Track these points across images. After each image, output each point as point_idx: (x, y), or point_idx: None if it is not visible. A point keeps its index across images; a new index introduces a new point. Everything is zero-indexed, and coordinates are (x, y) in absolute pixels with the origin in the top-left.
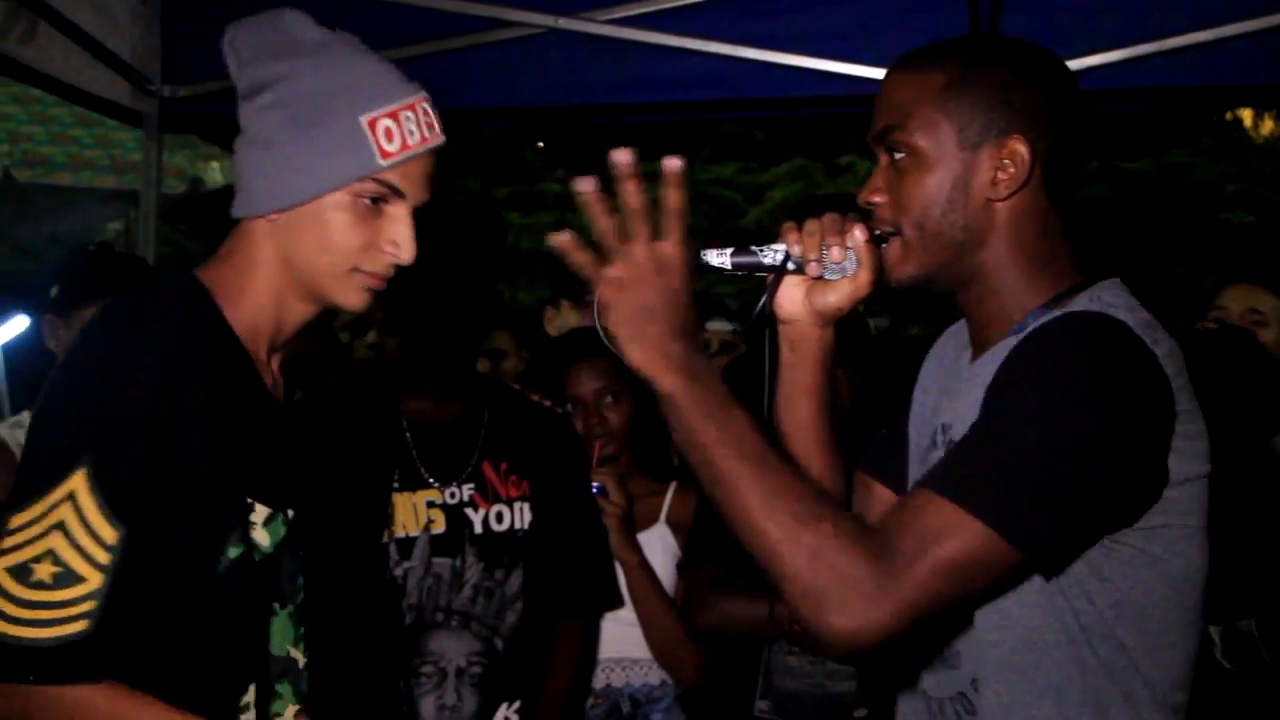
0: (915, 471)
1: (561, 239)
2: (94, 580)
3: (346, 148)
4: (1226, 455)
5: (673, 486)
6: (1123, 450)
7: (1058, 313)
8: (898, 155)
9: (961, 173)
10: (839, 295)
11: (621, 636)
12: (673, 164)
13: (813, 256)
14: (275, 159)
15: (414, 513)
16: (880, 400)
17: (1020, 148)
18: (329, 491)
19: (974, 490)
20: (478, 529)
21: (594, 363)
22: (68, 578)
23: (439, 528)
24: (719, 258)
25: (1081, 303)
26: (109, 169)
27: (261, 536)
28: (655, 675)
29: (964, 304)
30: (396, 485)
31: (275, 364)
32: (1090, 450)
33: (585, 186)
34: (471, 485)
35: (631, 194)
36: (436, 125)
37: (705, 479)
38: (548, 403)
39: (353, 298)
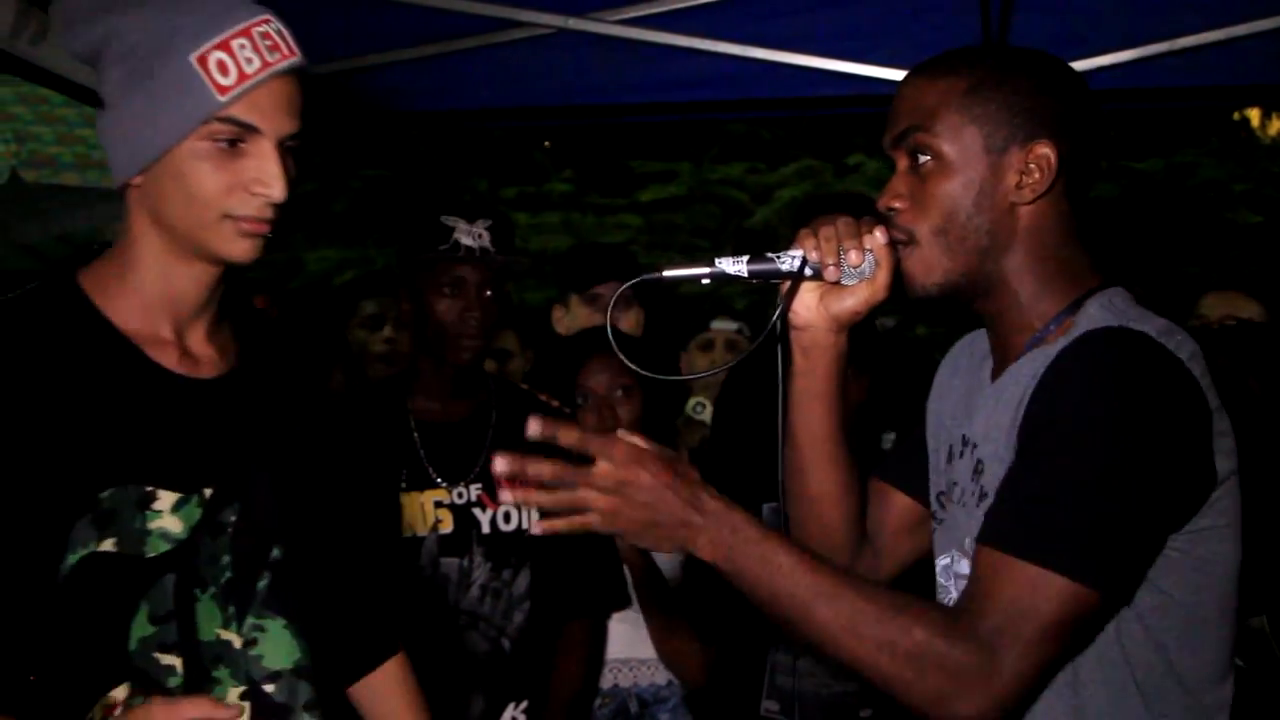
0: (935, 481)
1: (544, 527)
2: None
3: (181, 92)
4: (1248, 451)
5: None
6: (1171, 463)
7: (1080, 323)
8: (921, 159)
9: (987, 177)
10: (856, 299)
11: (629, 636)
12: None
13: (830, 261)
14: (120, 121)
15: (421, 513)
16: (887, 402)
17: (1049, 152)
18: (282, 454)
19: (1047, 544)
20: (485, 529)
21: (606, 359)
22: None
23: (446, 528)
24: (735, 266)
25: (1094, 310)
26: None
27: (172, 523)
28: (662, 675)
29: (985, 312)
30: (404, 485)
31: (197, 336)
32: (1142, 473)
33: (512, 495)
34: (479, 485)
35: (542, 468)
36: (284, 45)
37: (781, 621)
38: (556, 402)
39: (234, 247)
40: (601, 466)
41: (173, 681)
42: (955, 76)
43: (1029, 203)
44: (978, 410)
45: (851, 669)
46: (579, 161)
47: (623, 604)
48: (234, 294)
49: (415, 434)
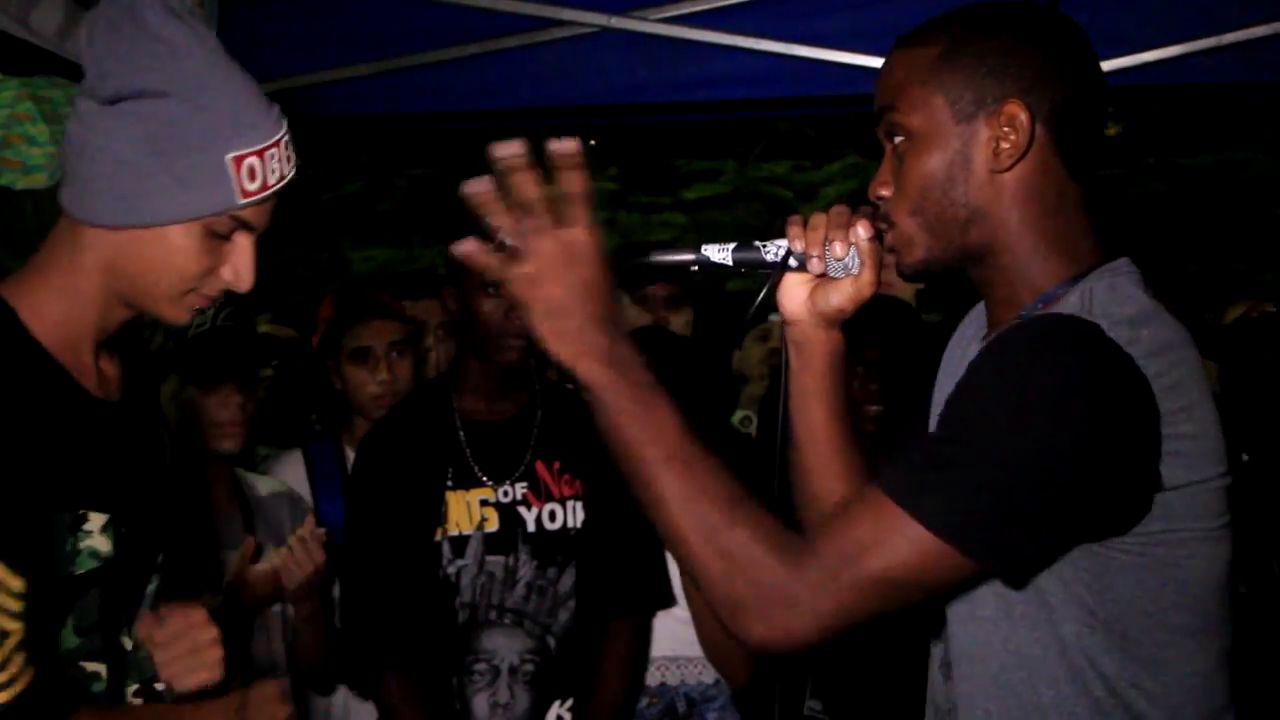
0: None
1: (464, 247)
2: (16, 632)
3: (207, 183)
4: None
5: None
6: (1088, 459)
7: (1062, 307)
8: (897, 140)
9: (960, 147)
10: (841, 296)
11: (677, 635)
12: (566, 146)
13: (814, 253)
14: (129, 177)
15: (468, 511)
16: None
17: (1018, 111)
18: (161, 485)
19: (922, 494)
20: (531, 527)
21: (653, 360)
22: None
23: (492, 526)
24: (720, 254)
25: (1075, 296)
26: None
27: (101, 542)
28: (710, 674)
29: (977, 281)
30: (450, 484)
31: (105, 357)
32: (1049, 460)
33: (475, 188)
34: (525, 484)
35: (525, 185)
36: (293, 156)
37: (628, 474)
38: None
39: (179, 316)
40: (545, 241)
41: (97, 687)
42: (922, 47)
43: (1008, 169)
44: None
45: (669, 547)
46: (623, 160)
47: (667, 603)
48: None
49: (461, 433)
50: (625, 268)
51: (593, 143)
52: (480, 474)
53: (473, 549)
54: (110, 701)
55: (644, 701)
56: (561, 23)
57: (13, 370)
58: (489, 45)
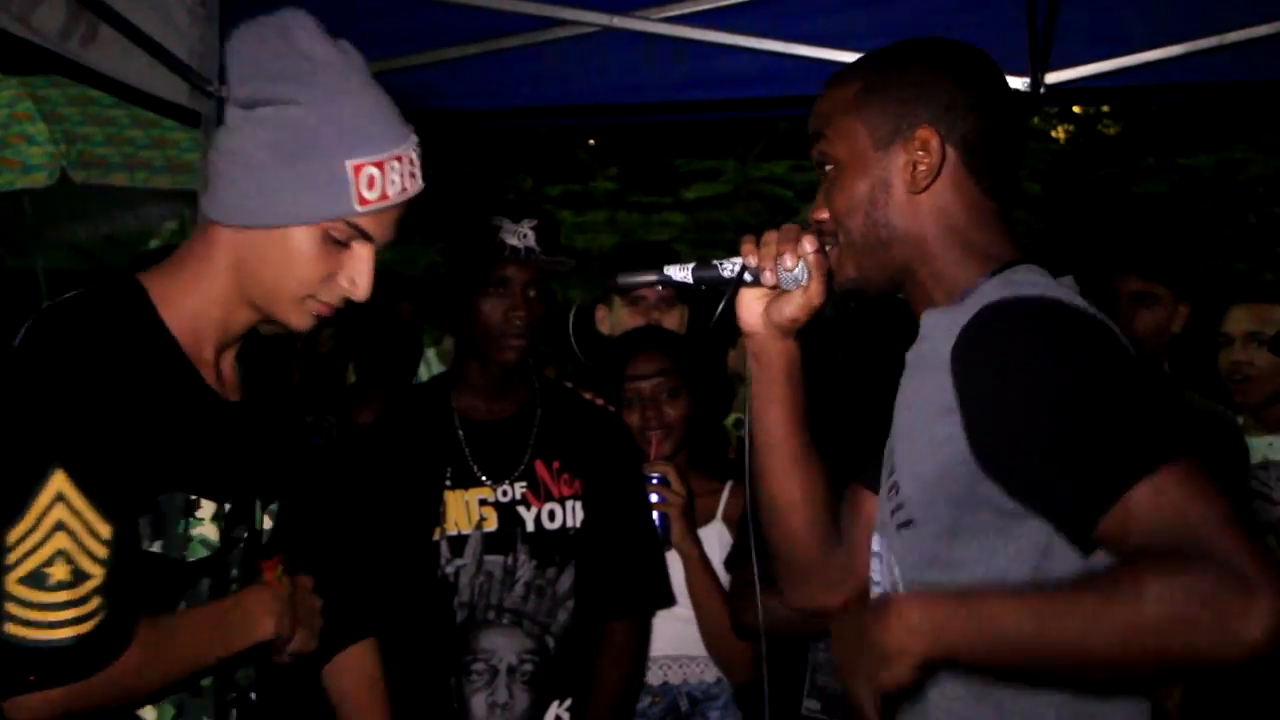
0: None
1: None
2: (98, 575)
3: (327, 188)
4: None
5: (728, 485)
6: (1146, 383)
7: (975, 294)
8: (826, 168)
9: (880, 174)
10: (794, 306)
11: (679, 634)
12: None
13: (767, 267)
14: (255, 178)
15: (466, 510)
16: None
17: (929, 136)
18: (290, 484)
19: (1132, 461)
20: (530, 527)
21: (654, 357)
22: (80, 575)
23: (491, 525)
24: (681, 273)
25: (994, 284)
26: (164, 169)
27: (210, 531)
28: (712, 673)
29: (909, 302)
30: (449, 483)
31: (227, 361)
32: (1125, 384)
33: None
34: (524, 483)
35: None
36: (419, 174)
37: (1018, 668)
38: (600, 401)
39: (300, 321)
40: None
41: (204, 680)
42: (848, 82)
43: (924, 189)
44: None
45: (1109, 674)
46: (623, 159)
47: (667, 602)
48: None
49: (460, 432)
50: (609, 288)
51: (592, 142)
52: (479, 473)
53: (471, 549)
54: (218, 693)
55: (646, 700)
56: (563, 22)
57: (143, 351)
58: (490, 45)
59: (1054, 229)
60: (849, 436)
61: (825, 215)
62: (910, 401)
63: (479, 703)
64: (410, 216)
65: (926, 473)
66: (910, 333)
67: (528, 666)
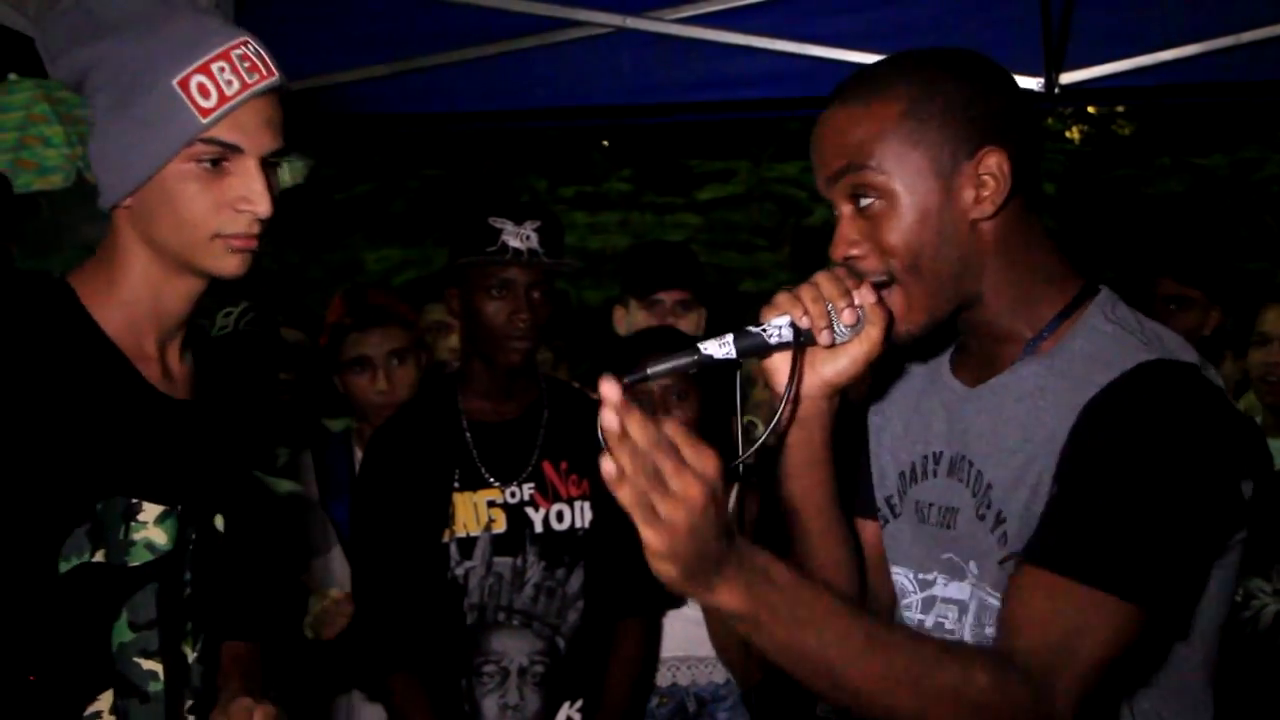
0: (900, 505)
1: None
2: None
3: (164, 116)
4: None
5: (735, 488)
6: (1222, 503)
7: (1079, 332)
8: (864, 202)
9: (942, 203)
10: (850, 360)
11: (688, 635)
12: (610, 390)
13: (823, 324)
14: (107, 145)
15: (475, 512)
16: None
17: (1000, 159)
18: (233, 481)
19: (1104, 567)
20: (538, 528)
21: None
22: None
23: (500, 527)
24: (722, 349)
25: (1098, 320)
26: None
27: (156, 534)
28: (720, 674)
29: (966, 326)
30: (457, 485)
31: (173, 354)
32: (1195, 504)
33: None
34: (532, 484)
35: (636, 436)
36: (262, 67)
37: (810, 674)
38: None
39: (224, 264)
40: (679, 483)
41: (154, 687)
42: (885, 101)
43: (991, 216)
44: (959, 422)
45: (865, 708)
46: (637, 160)
47: (676, 603)
48: (195, 317)
49: (467, 434)
50: (626, 386)
51: (605, 143)
52: (487, 475)
53: (480, 550)
54: (167, 707)
55: (654, 701)
56: (577, 23)
57: (69, 352)
58: (504, 46)
59: (1068, 229)
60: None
61: (860, 251)
62: (997, 444)
63: (490, 704)
64: (424, 217)
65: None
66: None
67: (538, 668)
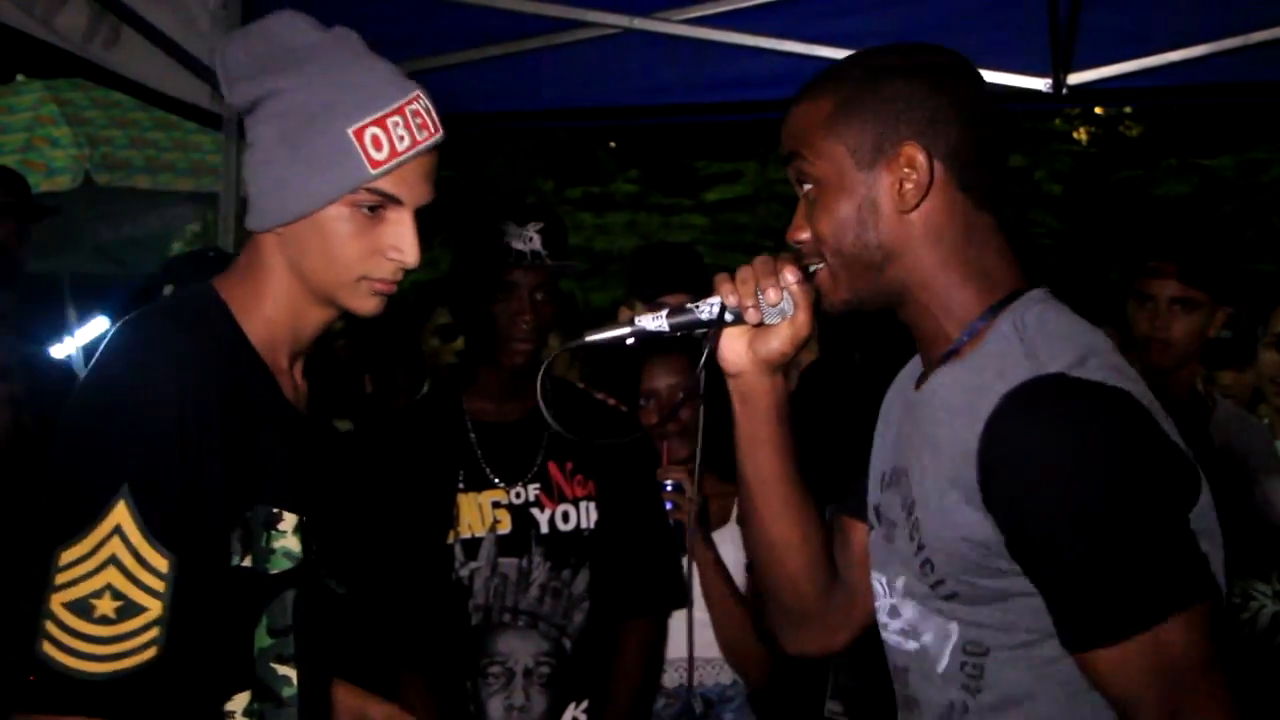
0: (877, 512)
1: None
2: (155, 609)
3: (335, 161)
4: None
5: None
6: (1175, 491)
7: (991, 339)
8: (806, 187)
9: (866, 193)
10: (780, 340)
11: (695, 636)
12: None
13: (749, 303)
14: (272, 175)
15: (480, 513)
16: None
17: (915, 153)
18: (345, 497)
19: (1134, 612)
20: (544, 529)
21: (670, 359)
22: (130, 609)
23: (505, 528)
24: (655, 322)
25: (1006, 328)
26: (187, 172)
27: (293, 543)
28: (727, 675)
29: (906, 323)
30: (462, 486)
31: (298, 371)
32: (1157, 507)
33: None
34: (537, 485)
35: None
36: (430, 123)
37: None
38: (613, 401)
39: (364, 304)
40: None
41: (287, 691)
42: (823, 96)
43: (914, 208)
44: (904, 434)
45: None
46: (644, 161)
47: (682, 602)
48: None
49: (472, 435)
50: (566, 349)
51: (613, 144)
52: (492, 476)
53: (485, 551)
54: (301, 709)
55: (661, 702)
56: (584, 24)
57: (232, 362)
58: (511, 47)
59: (1075, 230)
60: (866, 439)
61: (806, 236)
62: (919, 461)
63: (496, 705)
64: (431, 218)
65: (959, 552)
66: None
67: (544, 669)
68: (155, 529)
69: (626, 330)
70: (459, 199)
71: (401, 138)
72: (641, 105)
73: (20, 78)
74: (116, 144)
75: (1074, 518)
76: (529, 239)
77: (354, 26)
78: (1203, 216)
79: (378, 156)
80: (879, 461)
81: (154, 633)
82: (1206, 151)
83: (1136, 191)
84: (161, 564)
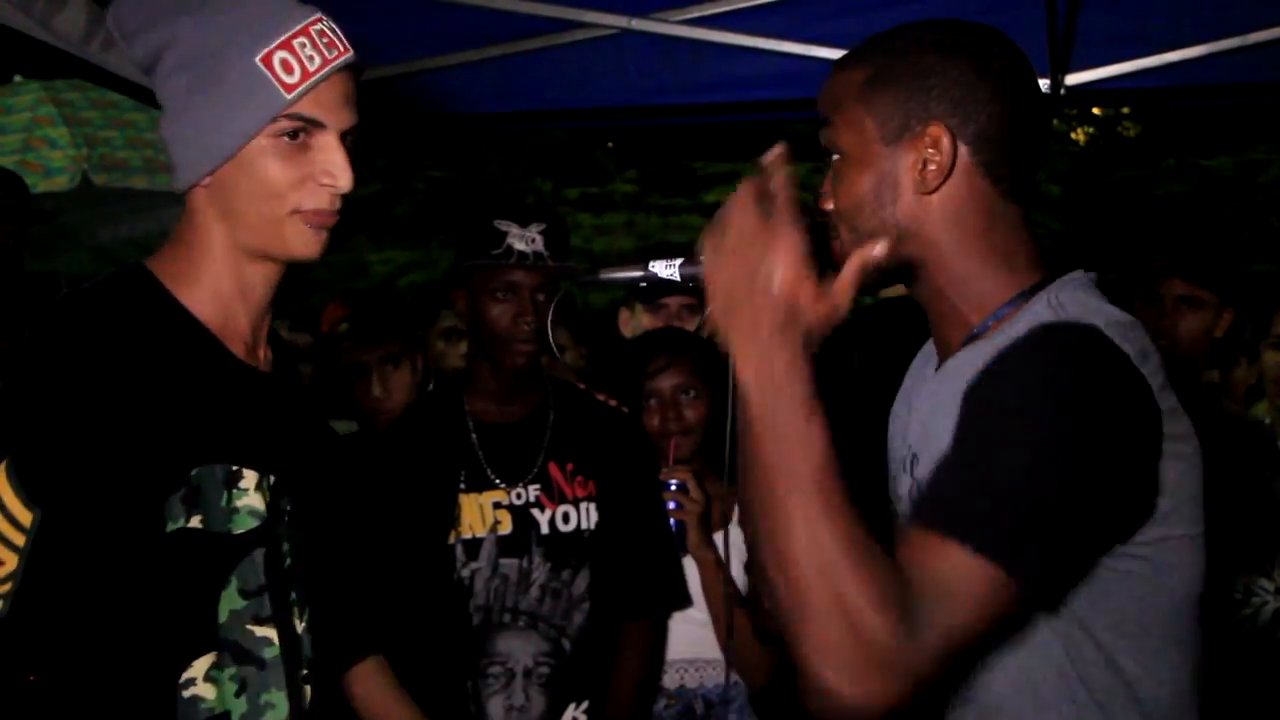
0: (894, 493)
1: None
2: (10, 563)
3: (248, 93)
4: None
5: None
6: (1111, 466)
7: (1022, 319)
8: (833, 156)
9: (888, 169)
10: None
11: (695, 637)
12: (774, 151)
13: None
14: (187, 124)
15: (480, 514)
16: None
17: (941, 134)
18: (316, 456)
19: (974, 527)
20: (544, 529)
21: (674, 360)
22: None
23: (505, 529)
24: (667, 269)
25: (1041, 306)
26: None
27: (256, 501)
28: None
29: (920, 302)
30: (463, 486)
31: (261, 335)
32: (1078, 466)
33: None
34: (538, 486)
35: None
36: (339, 43)
37: (752, 491)
38: (614, 402)
39: (304, 243)
40: (749, 219)
41: (269, 653)
42: (860, 64)
43: (935, 190)
44: (919, 416)
45: (772, 575)
46: (642, 162)
47: (683, 603)
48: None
49: (473, 435)
50: (579, 283)
51: (611, 145)
52: (493, 476)
53: (486, 552)
54: (287, 672)
55: (662, 703)
56: (582, 25)
57: (158, 331)
58: (509, 48)
59: (1074, 231)
60: (866, 439)
61: (831, 206)
62: (940, 439)
63: (496, 706)
64: (428, 219)
65: None
66: (925, 332)
67: (544, 669)
68: (28, 485)
69: (639, 274)
70: (458, 199)
71: (311, 58)
72: (640, 106)
73: (18, 78)
74: (114, 144)
75: (1000, 413)
76: (531, 240)
77: (353, 26)
78: (1208, 217)
79: (290, 80)
80: (899, 448)
81: (3, 587)
82: (1205, 152)
83: (1135, 192)
84: (26, 518)
